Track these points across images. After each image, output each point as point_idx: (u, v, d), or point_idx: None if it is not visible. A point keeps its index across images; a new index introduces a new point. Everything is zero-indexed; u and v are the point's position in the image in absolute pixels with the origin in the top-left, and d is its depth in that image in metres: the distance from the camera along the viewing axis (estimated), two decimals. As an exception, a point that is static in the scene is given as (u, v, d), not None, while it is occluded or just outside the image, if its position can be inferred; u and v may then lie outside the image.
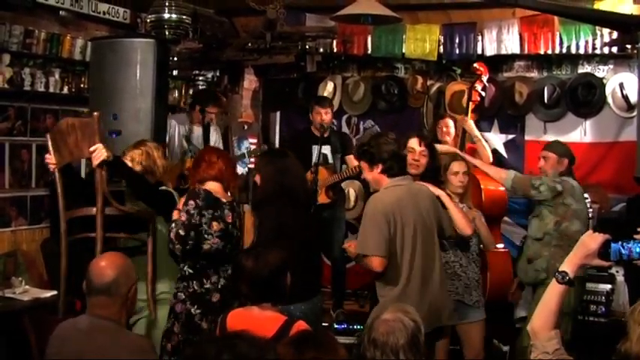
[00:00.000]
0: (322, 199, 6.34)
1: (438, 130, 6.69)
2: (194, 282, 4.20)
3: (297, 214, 4.64)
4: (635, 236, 2.72)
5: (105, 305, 3.13)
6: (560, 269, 2.65)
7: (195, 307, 4.17)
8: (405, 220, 4.23)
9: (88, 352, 3.03)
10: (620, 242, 2.60)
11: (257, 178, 4.78)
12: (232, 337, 1.76)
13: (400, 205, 4.26)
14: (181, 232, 4.08)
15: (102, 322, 3.11)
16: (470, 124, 6.52)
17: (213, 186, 4.35)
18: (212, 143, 6.81)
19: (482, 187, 6.01)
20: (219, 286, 4.21)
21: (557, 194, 5.22)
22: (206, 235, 4.18)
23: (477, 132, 6.60)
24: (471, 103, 6.65)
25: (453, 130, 6.64)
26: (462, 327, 4.99)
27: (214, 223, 4.20)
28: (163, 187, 4.62)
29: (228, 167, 4.50)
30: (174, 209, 4.23)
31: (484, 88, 6.78)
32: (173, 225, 4.13)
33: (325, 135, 6.47)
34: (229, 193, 4.52)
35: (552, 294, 2.66)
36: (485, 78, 6.71)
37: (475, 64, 6.77)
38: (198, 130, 6.90)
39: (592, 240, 2.63)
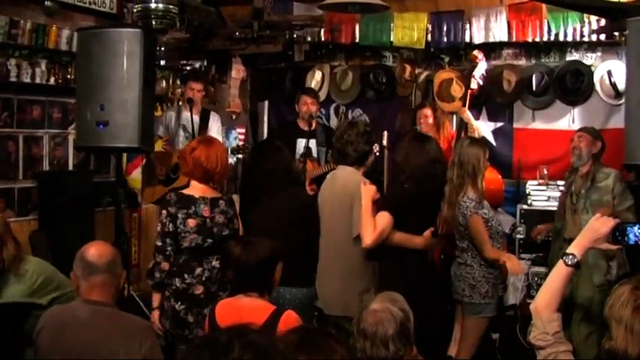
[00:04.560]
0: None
1: (417, 119, 6.74)
2: (176, 279, 4.25)
3: (266, 202, 4.72)
4: None
5: (104, 286, 3.13)
6: (567, 251, 2.66)
7: (179, 303, 4.23)
8: (322, 204, 4.72)
9: (93, 340, 3.02)
10: (625, 226, 2.63)
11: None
12: (242, 327, 1.78)
13: (322, 191, 4.80)
14: (158, 243, 4.25)
15: (101, 309, 3.11)
16: (467, 113, 6.50)
17: (194, 182, 4.40)
18: (214, 133, 6.64)
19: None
20: (203, 279, 4.24)
21: None
22: (183, 234, 4.24)
23: (474, 121, 6.58)
24: (469, 91, 6.62)
25: (431, 120, 6.70)
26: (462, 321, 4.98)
27: (190, 221, 4.24)
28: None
29: (199, 164, 4.32)
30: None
31: (482, 77, 6.75)
32: (156, 235, 4.31)
33: (312, 127, 6.43)
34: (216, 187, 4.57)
35: (558, 275, 2.67)
36: (483, 66, 6.67)
37: (475, 52, 6.72)
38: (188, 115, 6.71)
39: (602, 224, 2.65)
